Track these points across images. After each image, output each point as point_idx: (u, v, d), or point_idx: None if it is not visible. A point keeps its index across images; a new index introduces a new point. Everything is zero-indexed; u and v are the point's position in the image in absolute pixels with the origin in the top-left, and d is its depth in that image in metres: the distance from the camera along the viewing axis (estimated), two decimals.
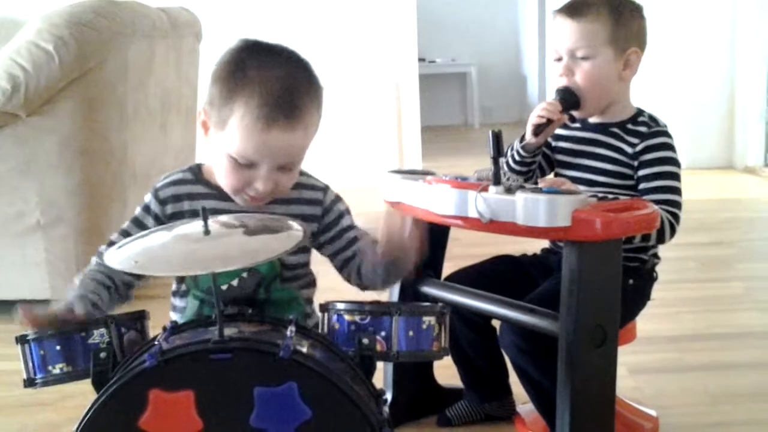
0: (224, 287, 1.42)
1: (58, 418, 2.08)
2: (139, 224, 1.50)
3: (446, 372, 2.03)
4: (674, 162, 1.80)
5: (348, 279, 1.57)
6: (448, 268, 2.01)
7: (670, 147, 1.80)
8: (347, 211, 1.57)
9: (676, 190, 1.77)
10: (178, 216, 1.47)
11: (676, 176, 1.78)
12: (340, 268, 1.57)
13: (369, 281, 1.52)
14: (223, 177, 1.46)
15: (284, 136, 1.39)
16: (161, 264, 1.21)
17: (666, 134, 1.81)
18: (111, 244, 1.46)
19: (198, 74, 3.77)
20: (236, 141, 1.40)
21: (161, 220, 1.49)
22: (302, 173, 1.54)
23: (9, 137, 2.74)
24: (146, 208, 1.52)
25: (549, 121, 1.82)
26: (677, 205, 1.75)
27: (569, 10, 1.81)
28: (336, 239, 1.55)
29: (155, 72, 3.19)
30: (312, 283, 1.56)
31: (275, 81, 1.39)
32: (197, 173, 1.54)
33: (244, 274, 1.43)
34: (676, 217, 1.74)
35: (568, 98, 1.81)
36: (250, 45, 1.46)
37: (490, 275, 1.92)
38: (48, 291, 2.86)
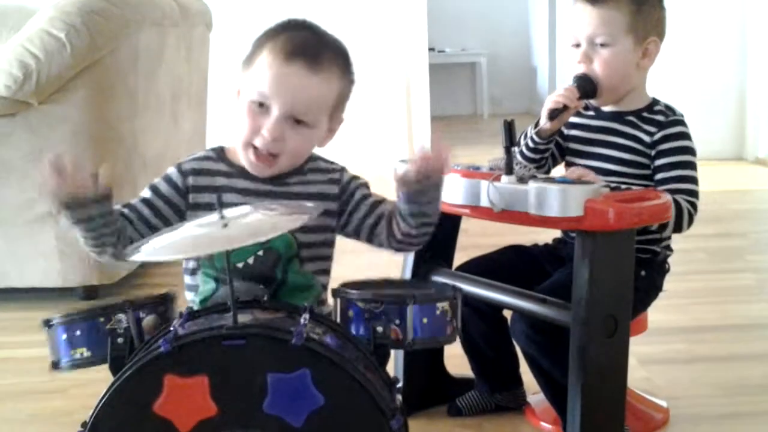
0: (240, 265, 1.42)
1: (70, 405, 2.08)
2: (155, 190, 1.51)
3: (457, 362, 2.03)
4: (692, 151, 1.79)
5: (380, 245, 1.55)
6: (458, 258, 2.01)
7: (687, 136, 1.80)
8: (365, 185, 1.57)
9: (694, 180, 1.77)
10: (198, 189, 1.49)
11: (693, 166, 1.78)
12: (369, 238, 1.55)
13: (402, 237, 1.50)
14: (239, 130, 1.47)
15: (303, 73, 1.44)
16: (171, 248, 1.21)
17: (683, 123, 1.81)
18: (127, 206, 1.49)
19: (208, 63, 3.77)
20: (257, 76, 1.45)
21: (180, 191, 1.50)
22: (319, 158, 1.56)
23: (21, 125, 2.75)
24: (166, 177, 1.52)
25: (565, 107, 1.81)
26: (695, 194, 1.75)
27: None
28: (357, 210, 1.54)
29: (166, 61, 3.19)
30: (328, 271, 1.56)
31: (306, 35, 1.48)
32: (220, 153, 1.55)
33: (260, 252, 1.44)
34: (694, 206, 1.74)
35: (586, 86, 1.80)
36: (293, 20, 1.52)
37: (500, 265, 1.92)
38: (59, 279, 2.87)
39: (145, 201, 1.51)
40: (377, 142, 5.36)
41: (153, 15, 3.03)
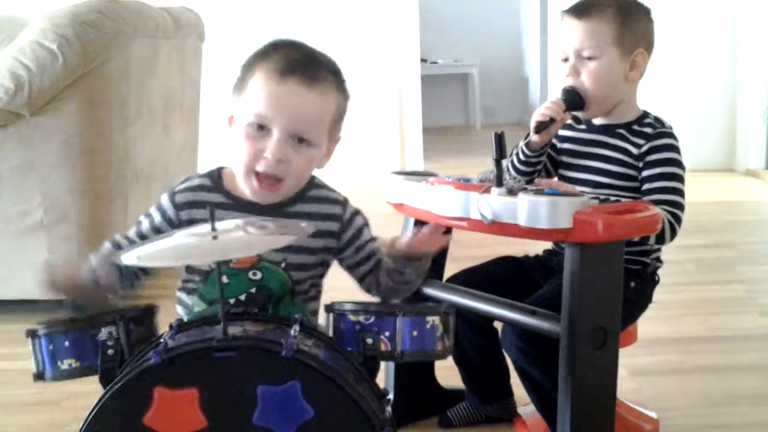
0: (232, 301, 1.41)
1: (62, 417, 2.08)
2: (151, 222, 1.49)
3: (448, 373, 2.03)
4: (678, 164, 1.80)
5: (368, 290, 1.57)
6: (449, 270, 2.01)
7: (674, 149, 1.81)
8: (366, 225, 1.56)
9: (679, 192, 1.77)
10: (192, 223, 1.43)
11: (679, 178, 1.79)
12: (360, 280, 1.57)
13: (389, 291, 1.53)
14: (238, 157, 1.44)
15: (299, 91, 1.41)
16: (163, 256, 1.21)
17: (671, 136, 1.82)
18: (117, 245, 1.47)
19: (200, 74, 3.78)
20: (252, 98, 1.42)
21: (173, 224, 1.47)
22: (321, 185, 1.54)
23: (12, 136, 2.75)
24: (160, 208, 1.50)
25: (552, 120, 1.82)
26: (679, 206, 1.76)
27: (576, 11, 1.82)
28: (356, 254, 1.54)
29: (158, 72, 3.20)
30: (318, 296, 1.55)
31: (297, 52, 1.46)
32: (217, 180, 1.51)
33: (253, 290, 1.43)
34: (677, 218, 1.74)
35: (573, 99, 1.82)
36: (279, 40, 1.50)
37: (491, 277, 1.93)
38: (51, 291, 2.86)
39: (141, 236, 1.49)
40: (370, 153, 5.36)
41: (145, 26, 3.04)
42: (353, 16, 5.37)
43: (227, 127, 1.49)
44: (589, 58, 1.80)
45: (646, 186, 1.79)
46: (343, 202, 1.54)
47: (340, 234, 1.52)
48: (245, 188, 1.46)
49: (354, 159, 5.34)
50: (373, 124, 5.40)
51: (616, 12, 1.80)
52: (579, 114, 1.88)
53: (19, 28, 2.89)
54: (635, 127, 1.84)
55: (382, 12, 5.39)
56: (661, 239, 1.72)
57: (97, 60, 2.77)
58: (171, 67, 3.33)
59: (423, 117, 5.62)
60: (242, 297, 1.42)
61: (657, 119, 1.85)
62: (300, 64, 1.42)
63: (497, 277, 1.93)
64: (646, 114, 1.86)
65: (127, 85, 2.94)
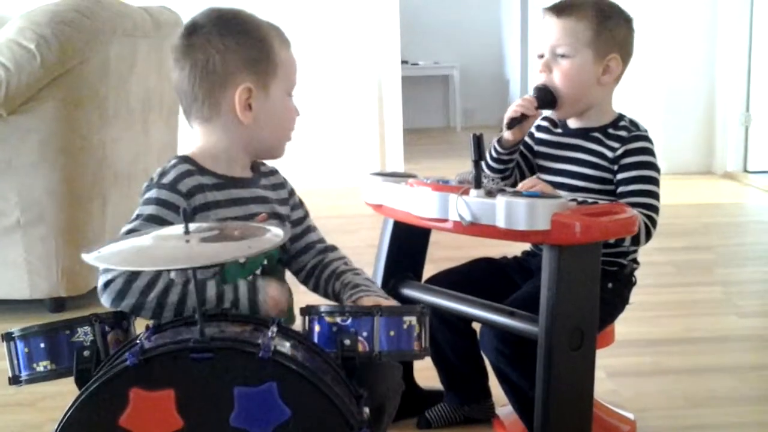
0: (249, 278, 1.46)
1: (38, 418, 2.07)
2: (161, 221, 1.42)
3: (426, 374, 2.03)
4: (653, 167, 1.81)
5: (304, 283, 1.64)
6: (428, 271, 2.02)
7: (649, 152, 1.82)
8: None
9: (654, 195, 1.78)
10: (200, 209, 1.45)
11: (654, 181, 1.80)
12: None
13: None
14: (282, 125, 1.56)
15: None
16: (138, 262, 1.20)
17: (646, 139, 1.83)
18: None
19: None
20: (285, 71, 1.55)
21: (188, 217, 1.46)
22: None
23: None
24: (165, 204, 1.44)
25: (524, 117, 1.83)
26: (654, 209, 1.77)
27: (557, 9, 1.83)
28: (293, 211, 1.63)
29: (137, 72, 3.18)
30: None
31: (266, 25, 1.58)
32: (195, 164, 1.51)
33: (265, 261, 1.50)
34: (652, 220, 1.75)
35: (545, 96, 1.83)
36: (221, 17, 1.54)
37: (470, 278, 1.93)
38: (27, 291, 2.85)
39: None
40: (350, 154, 5.36)
41: (124, 26, 3.02)
42: (334, 17, 5.37)
43: (241, 112, 1.50)
44: (562, 56, 1.81)
45: (621, 189, 1.80)
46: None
47: (290, 197, 1.64)
48: (281, 152, 1.59)
49: (334, 160, 5.34)
50: (353, 125, 5.40)
51: (596, 14, 1.81)
52: (551, 113, 1.89)
53: None
54: (610, 130, 1.84)
55: (362, 13, 5.39)
56: (636, 241, 1.73)
57: (76, 59, 2.76)
58: (150, 67, 3.32)
59: (403, 118, 5.63)
60: (258, 271, 1.47)
61: (632, 122, 1.86)
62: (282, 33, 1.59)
63: (476, 278, 1.94)
64: (621, 117, 1.87)
65: (106, 84, 2.93)
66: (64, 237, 2.82)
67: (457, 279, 1.92)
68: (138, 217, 1.43)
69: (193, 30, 1.51)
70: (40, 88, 2.71)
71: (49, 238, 2.81)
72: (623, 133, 1.83)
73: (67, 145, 2.80)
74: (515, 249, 1.97)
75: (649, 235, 1.74)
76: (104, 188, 2.95)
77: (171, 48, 1.54)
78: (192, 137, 1.56)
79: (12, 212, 2.79)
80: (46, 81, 2.71)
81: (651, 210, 1.75)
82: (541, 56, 1.85)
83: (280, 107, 1.55)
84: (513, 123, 1.83)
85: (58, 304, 2.86)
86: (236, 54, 1.49)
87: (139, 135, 3.26)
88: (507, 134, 1.86)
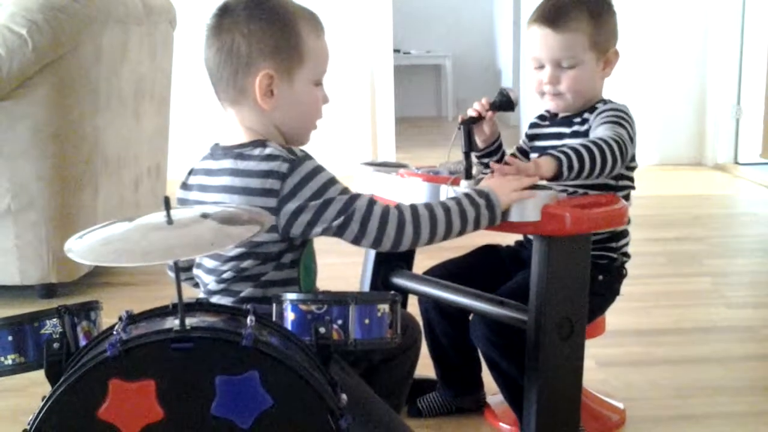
0: None
1: (30, 403, 2.04)
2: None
3: (419, 362, 2.03)
4: (625, 120, 1.76)
5: None
6: (419, 261, 2.02)
7: (621, 112, 1.78)
8: None
9: (623, 131, 1.72)
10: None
11: (623, 126, 1.74)
12: None
13: None
14: (309, 115, 1.59)
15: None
16: (121, 255, 1.18)
17: (619, 108, 1.80)
18: None
19: (172, 61, 3.75)
20: (316, 59, 1.56)
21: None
22: None
23: None
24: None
25: (480, 117, 1.85)
26: (622, 137, 1.69)
27: (549, 20, 1.80)
28: None
29: (129, 58, 3.18)
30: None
31: (298, 11, 1.55)
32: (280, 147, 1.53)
33: None
34: (619, 145, 1.67)
35: (502, 100, 1.84)
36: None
37: (469, 267, 1.94)
38: (18, 277, 2.84)
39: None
40: (341, 143, 5.36)
41: (116, 12, 3.01)
42: (326, 6, 5.35)
43: (261, 98, 1.50)
44: (569, 67, 1.80)
45: (591, 134, 1.76)
46: None
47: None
48: (306, 140, 1.62)
49: (326, 149, 5.31)
50: (345, 114, 5.39)
51: (589, 18, 1.79)
52: (552, 107, 1.89)
53: None
54: (587, 114, 1.84)
55: (355, 1, 5.38)
56: (599, 165, 1.65)
57: (67, 45, 2.75)
58: (142, 54, 3.31)
59: (395, 107, 5.62)
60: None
61: (609, 101, 1.85)
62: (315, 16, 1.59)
63: (474, 268, 1.94)
64: (603, 101, 1.87)
65: (98, 71, 2.92)
66: (55, 223, 2.81)
67: (455, 269, 1.92)
68: (339, 189, 1.55)
69: (224, 11, 1.52)
70: (31, 74, 2.70)
71: (39, 224, 2.80)
72: (599, 106, 1.83)
73: (59, 132, 2.80)
74: (509, 239, 1.97)
75: (614, 160, 1.66)
76: (95, 175, 2.95)
77: (204, 26, 1.54)
78: (227, 122, 1.57)
79: (3, 198, 2.78)
80: (37, 67, 2.70)
81: (619, 137, 1.68)
82: (541, 67, 1.83)
83: (304, 95, 1.55)
84: (468, 122, 1.82)
85: (48, 290, 2.86)
86: (261, 40, 1.49)
87: (130, 122, 3.26)
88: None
